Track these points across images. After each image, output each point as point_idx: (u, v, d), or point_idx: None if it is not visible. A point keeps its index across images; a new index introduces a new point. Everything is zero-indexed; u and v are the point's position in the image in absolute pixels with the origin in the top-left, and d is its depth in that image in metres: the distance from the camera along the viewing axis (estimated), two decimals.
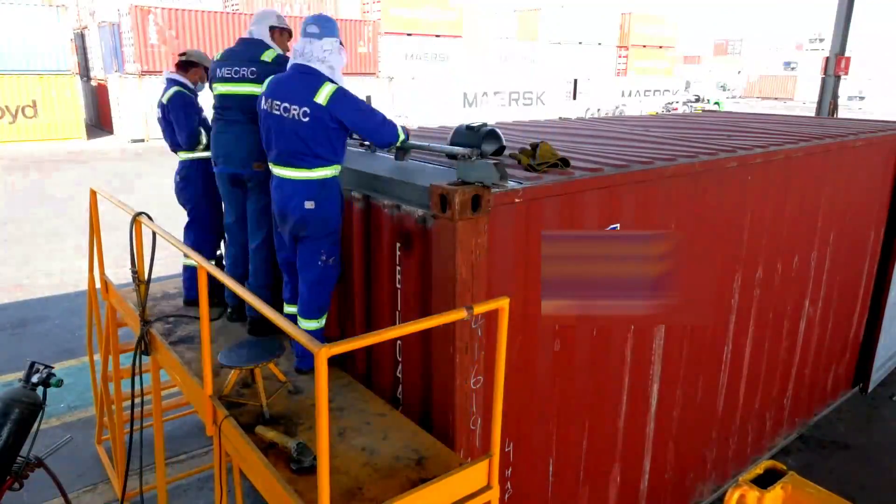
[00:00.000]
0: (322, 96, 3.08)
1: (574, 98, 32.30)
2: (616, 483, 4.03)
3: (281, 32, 3.84)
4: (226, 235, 4.13)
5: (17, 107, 21.70)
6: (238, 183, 3.81)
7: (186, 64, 4.32)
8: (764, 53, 65.56)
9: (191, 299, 4.33)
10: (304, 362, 3.43)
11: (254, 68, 3.60)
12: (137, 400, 3.66)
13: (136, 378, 3.65)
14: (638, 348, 3.85)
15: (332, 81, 3.15)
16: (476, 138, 3.25)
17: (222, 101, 3.73)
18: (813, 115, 14.04)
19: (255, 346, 3.28)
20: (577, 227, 3.25)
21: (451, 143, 3.34)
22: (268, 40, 3.75)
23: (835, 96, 17.28)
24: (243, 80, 3.62)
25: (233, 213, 3.94)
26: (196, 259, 2.98)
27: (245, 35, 3.83)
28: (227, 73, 3.66)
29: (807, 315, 5.53)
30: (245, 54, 3.68)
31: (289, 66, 3.29)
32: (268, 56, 3.65)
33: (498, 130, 3.25)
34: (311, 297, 3.33)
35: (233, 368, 3.10)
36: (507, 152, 3.53)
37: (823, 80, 17.47)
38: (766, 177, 4.51)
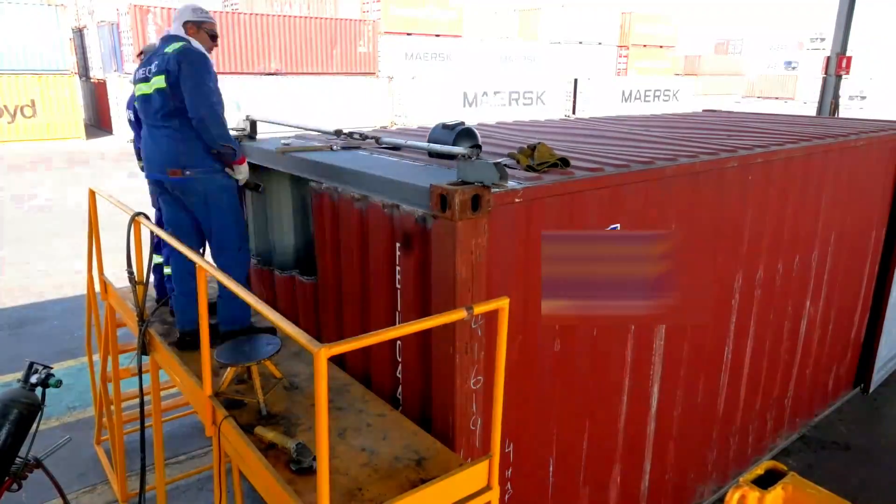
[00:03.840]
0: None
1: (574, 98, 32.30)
2: (616, 484, 4.02)
3: (198, 27, 3.73)
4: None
5: (15, 106, 21.69)
6: None
7: None
8: (765, 53, 65.36)
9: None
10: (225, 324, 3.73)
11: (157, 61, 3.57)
12: (138, 400, 3.65)
13: (139, 378, 3.65)
14: (638, 348, 3.84)
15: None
16: (450, 136, 3.24)
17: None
18: (814, 114, 14.03)
19: (252, 344, 3.29)
20: (578, 227, 3.24)
21: (430, 142, 3.34)
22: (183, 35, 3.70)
23: (836, 96, 17.28)
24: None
25: None
26: (197, 260, 2.97)
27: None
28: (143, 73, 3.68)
29: (808, 315, 5.52)
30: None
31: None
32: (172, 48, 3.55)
33: (473, 129, 3.24)
34: None
35: (229, 366, 3.10)
36: (506, 152, 3.52)
37: (824, 80, 17.47)
38: (767, 177, 4.51)
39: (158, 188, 3.77)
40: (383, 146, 4.06)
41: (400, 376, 3.17)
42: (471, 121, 3.75)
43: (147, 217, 3.66)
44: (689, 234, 3.96)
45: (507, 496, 3.25)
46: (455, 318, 2.37)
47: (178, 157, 3.56)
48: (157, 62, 3.56)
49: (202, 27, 3.72)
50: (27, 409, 3.19)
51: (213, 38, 3.79)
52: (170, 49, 3.53)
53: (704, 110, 8.56)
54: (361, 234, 3.27)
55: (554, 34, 34.40)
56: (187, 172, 3.55)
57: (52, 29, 21.88)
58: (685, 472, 4.65)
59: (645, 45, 38.81)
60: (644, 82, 36.10)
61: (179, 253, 3.46)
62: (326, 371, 2.00)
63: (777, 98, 54.11)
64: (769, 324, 5.04)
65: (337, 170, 3.43)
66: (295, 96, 24.32)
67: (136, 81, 3.71)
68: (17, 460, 3.19)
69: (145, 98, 3.64)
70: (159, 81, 3.51)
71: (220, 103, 3.54)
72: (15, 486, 3.23)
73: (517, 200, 2.87)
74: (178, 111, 3.51)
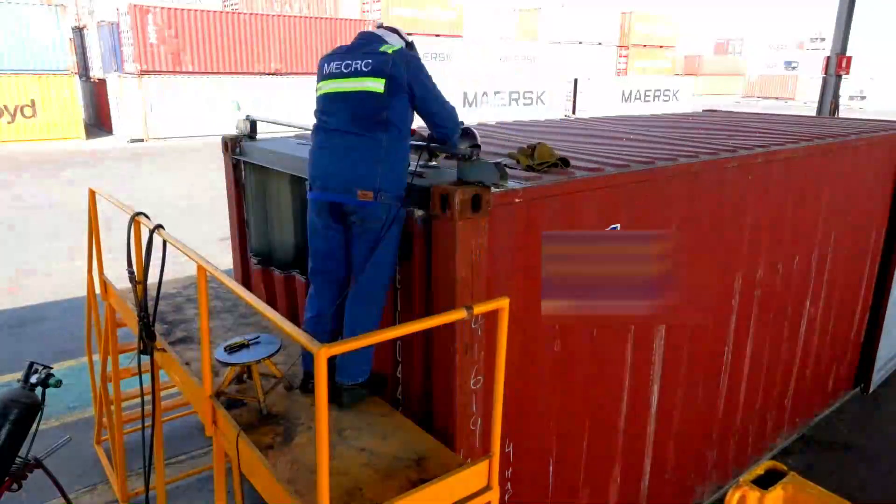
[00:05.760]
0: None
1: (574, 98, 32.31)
2: (616, 483, 4.02)
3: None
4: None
5: (15, 106, 21.72)
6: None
7: None
8: (765, 53, 65.45)
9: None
10: (344, 374, 3.00)
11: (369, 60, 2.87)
12: (138, 400, 3.65)
13: (139, 378, 3.65)
14: (638, 348, 3.84)
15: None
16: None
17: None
18: (814, 114, 14.03)
19: (252, 343, 3.28)
20: (578, 227, 3.24)
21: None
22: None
23: (836, 96, 17.28)
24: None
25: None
26: (197, 260, 2.96)
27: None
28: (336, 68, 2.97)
29: (808, 315, 5.52)
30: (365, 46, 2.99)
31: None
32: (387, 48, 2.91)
33: (473, 129, 3.23)
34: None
35: (230, 365, 3.10)
36: (507, 153, 3.52)
37: (824, 80, 17.47)
38: (767, 177, 4.51)
39: (330, 217, 2.95)
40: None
41: (400, 376, 3.17)
42: (471, 121, 3.75)
43: (147, 217, 3.65)
44: (689, 234, 3.97)
45: (507, 496, 3.25)
46: (455, 318, 2.37)
47: (375, 176, 2.80)
48: (367, 60, 2.87)
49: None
50: (27, 409, 3.19)
51: None
52: (389, 49, 2.88)
53: (704, 110, 8.56)
54: None
55: (554, 34, 34.44)
56: (381, 196, 2.80)
57: (52, 29, 21.89)
58: (685, 472, 4.65)
59: (645, 45, 38.88)
60: (644, 82, 36.12)
61: (319, 296, 3.09)
62: (326, 371, 2.00)
63: (777, 98, 54.17)
64: (769, 324, 5.05)
65: None
66: (295, 96, 24.33)
67: (328, 77, 2.97)
68: (17, 460, 3.19)
69: (342, 97, 2.90)
70: (373, 84, 2.84)
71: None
72: (15, 486, 3.23)
73: (517, 200, 2.87)
74: (388, 123, 2.83)
